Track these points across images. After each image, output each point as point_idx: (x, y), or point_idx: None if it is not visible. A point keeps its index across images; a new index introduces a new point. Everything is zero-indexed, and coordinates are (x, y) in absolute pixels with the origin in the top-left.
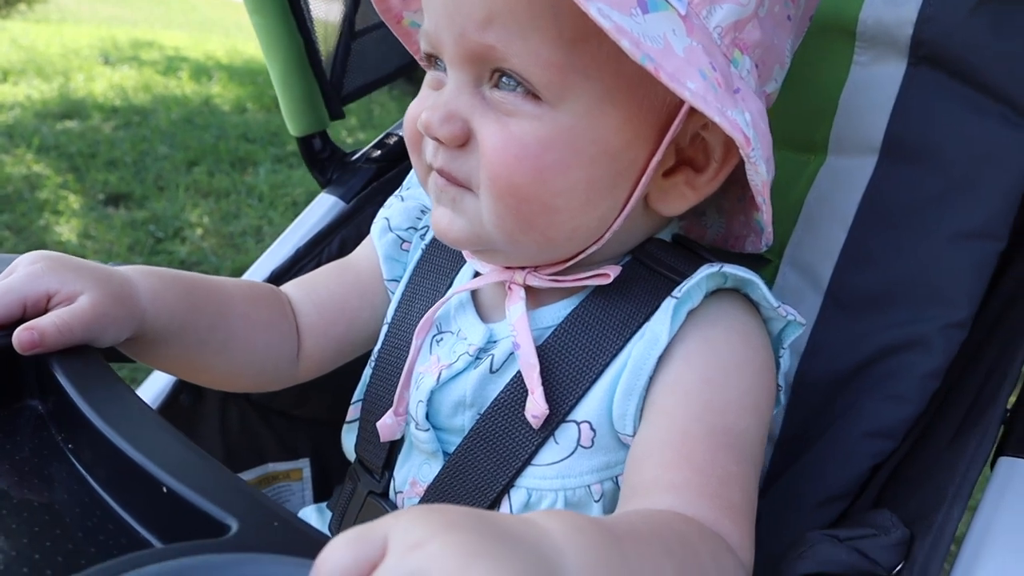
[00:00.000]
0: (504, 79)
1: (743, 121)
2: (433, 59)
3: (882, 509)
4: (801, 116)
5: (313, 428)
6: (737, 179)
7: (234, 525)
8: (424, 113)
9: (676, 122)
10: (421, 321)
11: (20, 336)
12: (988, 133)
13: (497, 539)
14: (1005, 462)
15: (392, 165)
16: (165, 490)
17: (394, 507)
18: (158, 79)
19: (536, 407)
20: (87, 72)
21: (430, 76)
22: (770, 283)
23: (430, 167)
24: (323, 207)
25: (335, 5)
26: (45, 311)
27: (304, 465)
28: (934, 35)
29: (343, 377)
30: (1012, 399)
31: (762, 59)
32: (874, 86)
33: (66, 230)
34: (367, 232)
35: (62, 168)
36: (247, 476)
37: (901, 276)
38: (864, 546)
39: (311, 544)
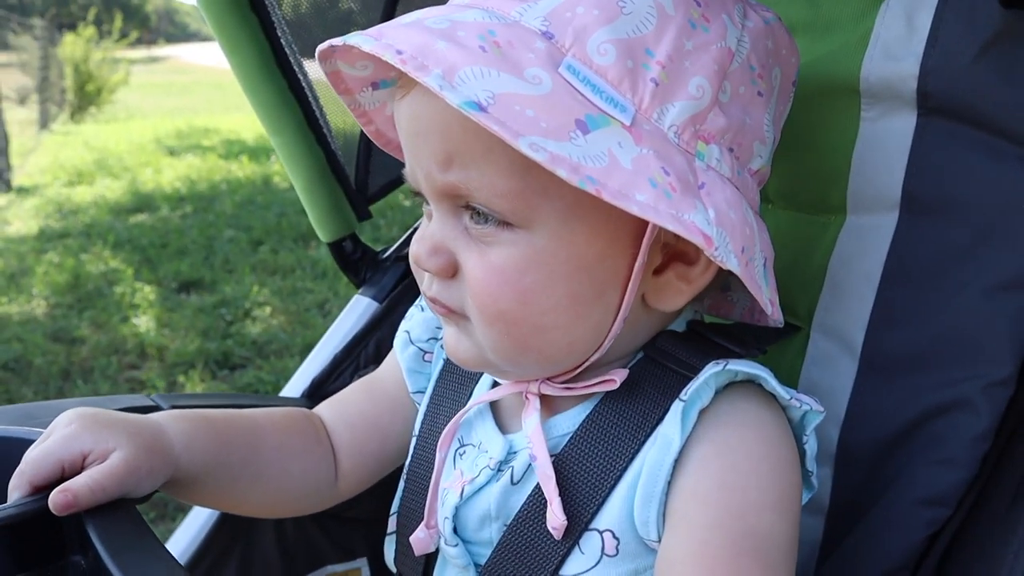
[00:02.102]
0: (475, 213)
1: (703, 220)
2: (420, 195)
3: None
4: (816, 178)
5: (367, 528)
6: None
7: None
8: (413, 245)
9: (651, 225)
10: (443, 434)
11: (55, 499)
12: (1011, 178)
13: None
14: None
15: None
16: None
17: None
18: (220, 164)
19: (555, 519)
20: (154, 165)
21: (424, 210)
22: (801, 351)
23: (426, 296)
24: (358, 310)
25: None
26: (82, 469)
27: (362, 564)
28: (940, 86)
29: (391, 476)
30: None
31: (735, 141)
32: (886, 141)
33: (143, 322)
34: None
35: (136, 261)
36: None
37: (936, 335)
38: None
39: None
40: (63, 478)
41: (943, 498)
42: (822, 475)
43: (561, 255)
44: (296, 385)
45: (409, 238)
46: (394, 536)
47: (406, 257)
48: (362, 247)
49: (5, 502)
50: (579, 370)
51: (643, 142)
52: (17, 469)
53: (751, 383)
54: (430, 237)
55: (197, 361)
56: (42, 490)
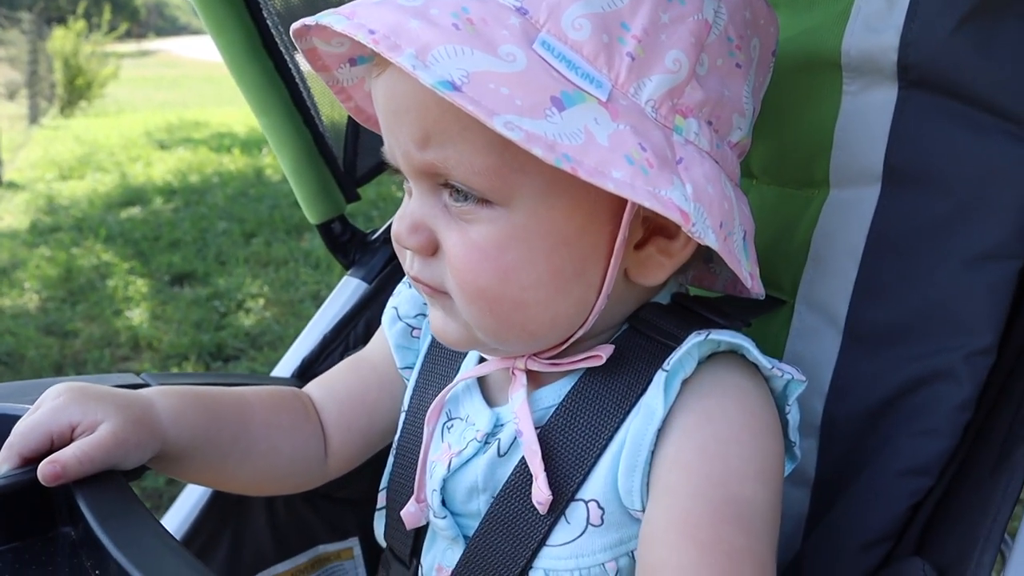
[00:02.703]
0: (454, 190)
1: (680, 196)
2: (399, 171)
3: (914, 558)
4: (798, 153)
5: (359, 507)
6: None
7: None
8: (394, 223)
9: (630, 201)
10: (430, 408)
11: (44, 470)
12: (992, 150)
13: None
14: None
15: None
16: None
17: None
18: (211, 157)
19: (540, 494)
20: (145, 158)
21: (405, 185)
22: (786, 324)
23: (408, 274)
24: (347, 291)
25: None
26: (70, 441)
27: (354, 544)
28: (919, 59)
29: (380, 456)
30: None
31: (714, 114)
32: (867, 114)
33: (136, 314)
34: None
35: (128, 254)
36: (299, 560)
37: (918, 306)
38: None
39: None
40: (52, 450)
41: (926, 468)
42: (807, 447)
43: (541, 231)
44: (286, 366)
45: None
46: (384, 511)
47: None
48: (351, 229)
49: None
50: (564, 346)
51: (620, 118)
52: (6, 442)
53: (733, 354)
54: (410, 215)
55: (191, 353)
56: (31, 462)
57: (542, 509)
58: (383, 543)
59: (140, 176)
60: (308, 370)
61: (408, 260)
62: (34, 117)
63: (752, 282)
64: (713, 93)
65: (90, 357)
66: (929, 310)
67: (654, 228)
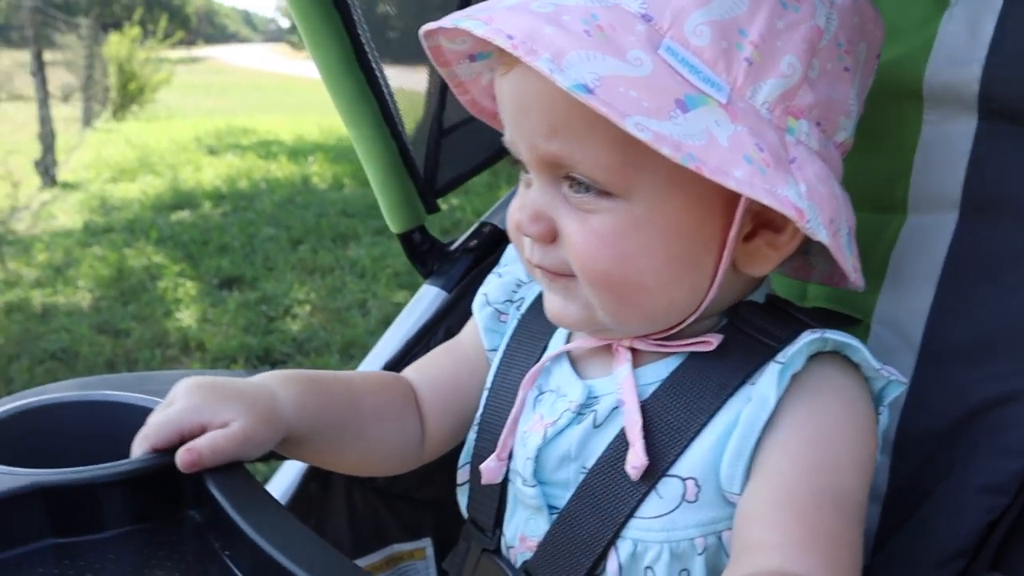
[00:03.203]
0: (575, 182)
1: (795, 194)
2: (520, 163)
3: (994, 573)
4: (878, 178)
5: (434, 509)
6: None
7: None
8: (515, 212)
9: (743, 196)
10: (527, 375)
11: (181, 457)
12: None
13: None
14: None
15: (488, 253)
16: None
17: (507, 563)
18: (259, 163)
19: (636, 459)
20: (194, 163)
21: (522, 178)
22: (862, 343)
23: (530, 262)
24: (427, 298)
25: (426, 108)
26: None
27: (427, 544)
28: (1002, 91)
29: (455, 459)
30: None
31: (823, 116)
32: (947, 143)
33: (186, 316)
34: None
35: (178, 257)
36: (374, 558)
37: (998, 328)
38: None
39: None
40: (182, 443)
41: (1003, 487)
42: (880, 463)
43: (659, 223)
44: (366, 368)
45: (475, 232)
46: (467, 486)
47: (473, 249)
48: (430, 239)
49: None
50: (674, 330)
51: (738, 120)
52: (141, 431)
53: (836, 355)
54: (531, 204)
55: (239, 356)
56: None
57: (635, 475)
58: (466, 515)
59: (190, 180)
60: None
61: (527, 248)
62: (87, 120)
63: (855, 275)
64: (822, 96)
65: (141, 356)
66: (1007, 332)
67: (762, 222)
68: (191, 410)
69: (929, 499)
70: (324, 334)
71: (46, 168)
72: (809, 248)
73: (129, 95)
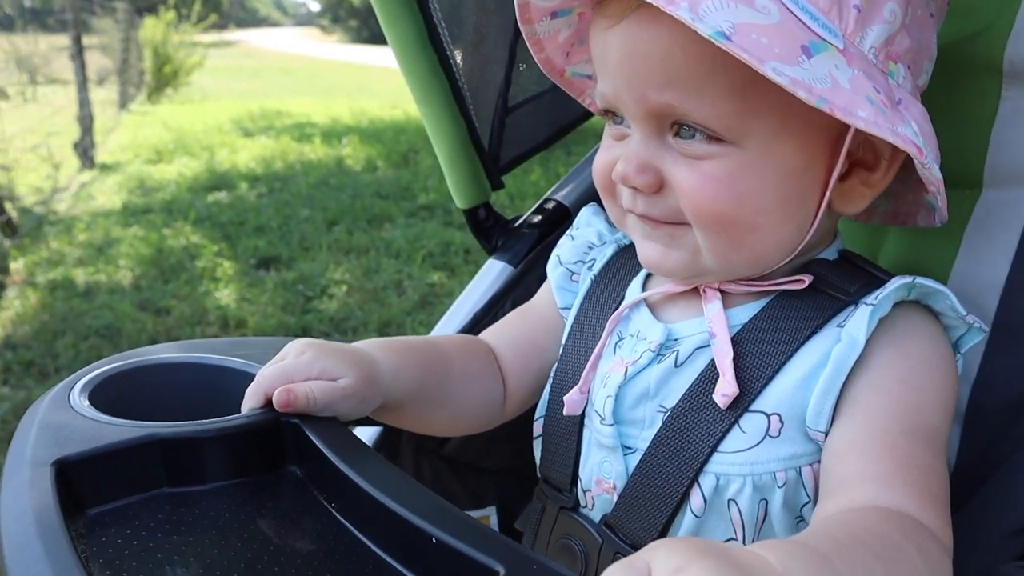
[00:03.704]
0: (685, 129)
1: (912, 132)
2: (610, 114)
3: None
4: (954, 153)
5: (499, 477)
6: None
7: (501, 570)
8: (619, 165)
9: (850, 135)
10: (612, 316)
11: (279, 395)
12: None
13: (738, 567)
14: None
15: (552, 229)
16: (434, 540)
17: (586, 519)
18: (293, 146)
19: (728, 387)
20: (229, 145)
21: (610, 128)
22: None
23: (627, 211)
24: (493, 273)
25: (491, 86)
26: None
27: (491, 513)
28: None
29: (518, 429)
30: None
31: (913, 60)
32: None
33: (225, 295)
34: (536, 292)
35: (216, 237)
36: None
37: None
38: None
39: None
40: None
41: None
42: (951, 433)
43: (770, 165)
44: None
45: (539, 208)
46: (540, 439)
47: (537, 225)
48: (494, 215)
49: None
50: (768, 271)
51: (853, 64)
52: (255, 381)
53: (918, 304)
54: (636, 156)
55: (277, 334)
56: (269, 405)
57: (724, 403)
58: (539, 474)
59: (225, 162)
60: None
61: (628, 199)
62: (123, 103)
63: (943, 211)
64: (915, 41)
65: (182, 334)
66: None
67: (856, 162)
68: (304, 364)
69: (1000, 471)
70: (361, 314)
71: (84, 150)
72: None
73: (164, 78)
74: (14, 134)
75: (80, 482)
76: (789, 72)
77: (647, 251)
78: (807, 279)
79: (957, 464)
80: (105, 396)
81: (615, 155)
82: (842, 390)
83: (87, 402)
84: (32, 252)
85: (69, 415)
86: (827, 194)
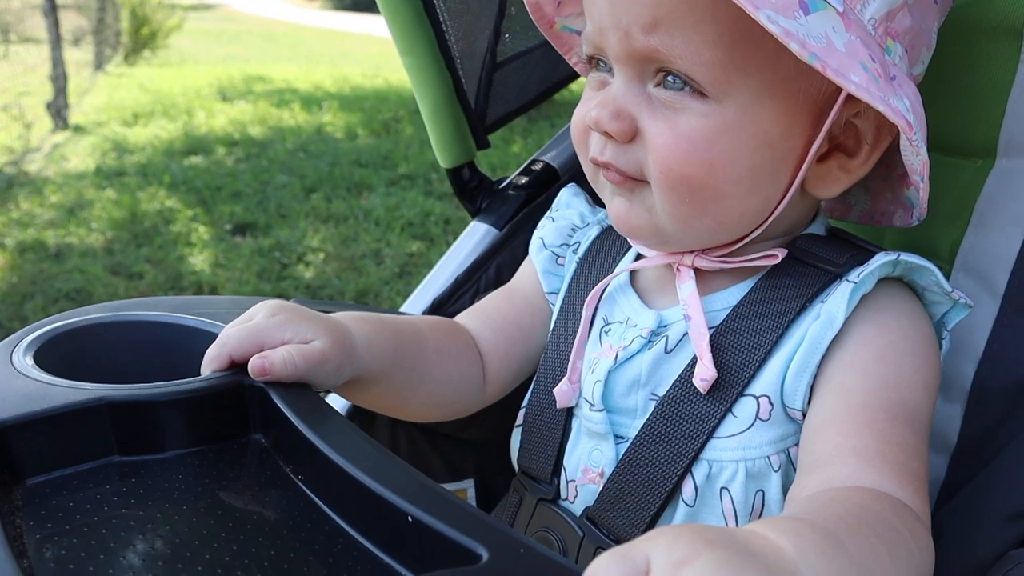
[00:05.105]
0: (669, 78)
1: (903, 107)
2: (595, 61)
3: None
4: (967, 121)
5: (477, 449)
6: (883, 159)
7: (484, 554)
8: (593, 110)
9: (834, 110)
10: (589, 295)
11: (254, 363)
12: None
13: (749, 556)
14: None
15: (540, 191)
16: (410, 519)
17: (566, 511)
18: (272, 112)
19: (705, 371)
20: (207, 109)
21: (592, 78)
22: None
23: (591, 160)
24: (476, 235)
25: (479, 40)
26: None
27: (469, 485)
28: None
29: (508, 398)
30: None
31: (911, 44)
32: None
33: (199, 260)
34: (522, 257)
35: (191, 202)
36: None
37: None
38: None
39: (560, 571)
40: None
41: None
42: (952, 413)
43: (749, 130)
44: (415, 305)
45: (526, 170)
46: (520, 429)
47: (524, 187)
48: (479, 176)
49: None
50: (736, 246)
51: (851, 29)
52: (217, 342)
53: (899, 281)
54: (612, 100)
55: None
56: (237, 366)
57: (703, 387)
58: (516, 466)
59: (203, 127)
60: (439, 311)
61: (597, 145)
62: (99, 64)
63: (922, 206)
64: (916, 23)
65: None
66: None
67: (836, 145)
68: (275, 326)
69: (1003, 452)
70: (338, 282)
71: (58, 110)
72: (850, 187)
73: (141, 40)
74: None
75: (19, 448)
76: (783, 23)
77: (615, 207)
78: (780, 253)
79: (958, 444)
80: (52, 356)
81: (594, 102)
82: (820, 368)
83: (31, 361)
84: (1, 213)
85: (10, 374)
86: (802, 171)
